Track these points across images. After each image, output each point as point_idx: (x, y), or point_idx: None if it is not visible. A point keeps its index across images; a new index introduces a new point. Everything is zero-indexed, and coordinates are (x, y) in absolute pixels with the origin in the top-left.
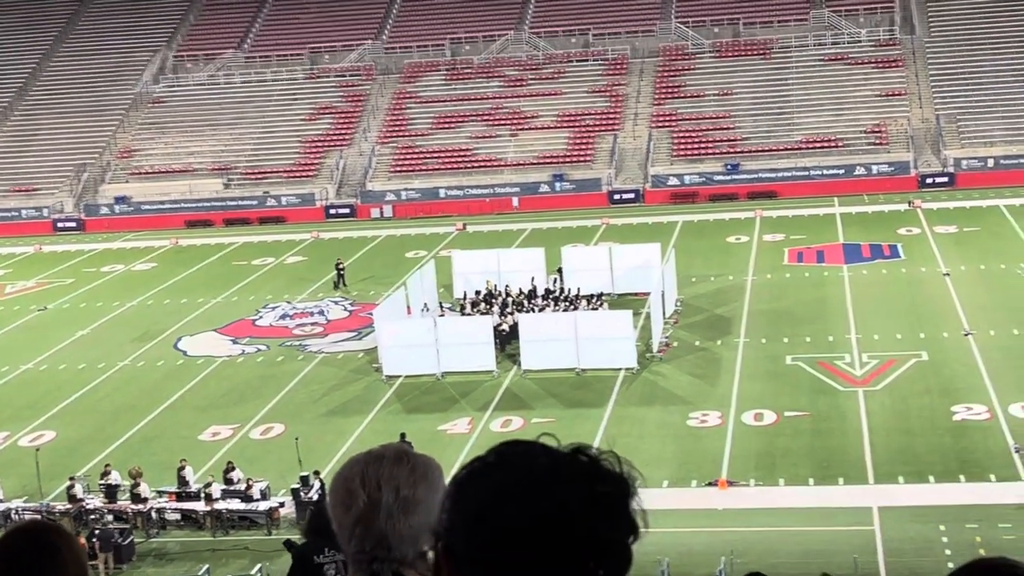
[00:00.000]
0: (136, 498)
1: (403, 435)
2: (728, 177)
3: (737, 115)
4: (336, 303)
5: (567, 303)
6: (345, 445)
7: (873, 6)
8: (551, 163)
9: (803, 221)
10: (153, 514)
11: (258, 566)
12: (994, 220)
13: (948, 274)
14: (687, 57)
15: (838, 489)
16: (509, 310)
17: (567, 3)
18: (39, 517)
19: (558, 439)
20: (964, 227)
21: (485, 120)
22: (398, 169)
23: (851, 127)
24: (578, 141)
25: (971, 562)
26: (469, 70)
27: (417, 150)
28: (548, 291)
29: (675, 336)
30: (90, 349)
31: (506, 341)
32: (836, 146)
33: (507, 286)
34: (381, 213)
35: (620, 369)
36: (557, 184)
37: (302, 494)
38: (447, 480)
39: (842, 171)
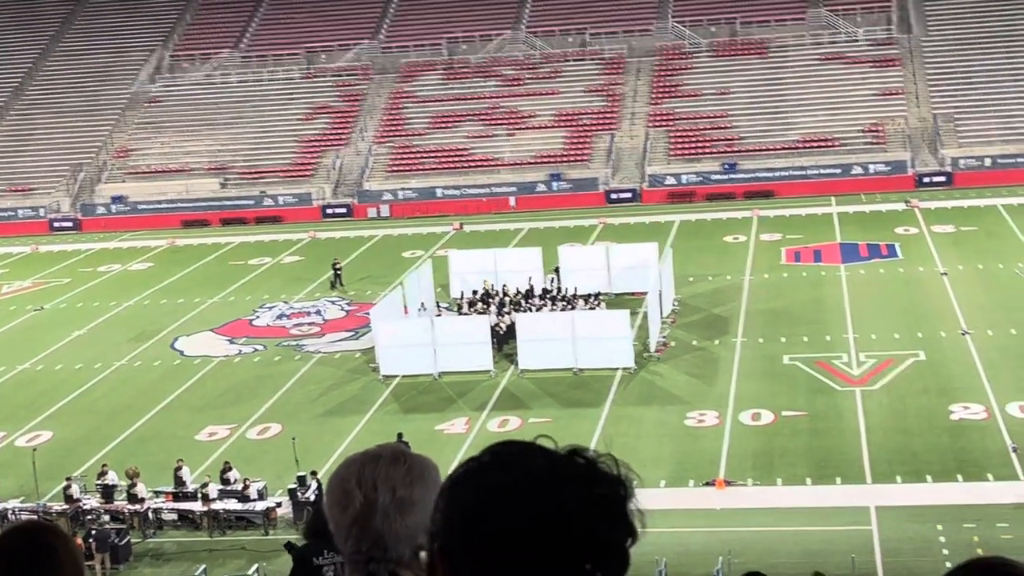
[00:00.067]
0: (133, 498)
1: (400, 435)
2: (725, 176)
3: (734, 114)
4: (333, 303)
5: (564, 303)
6: (342, 445)
7: (870, 5)
8: (548, 163)
9: (800, 221)
10: (150, 514)
11: (255, 566)
12: (991, 219)
13: (946, 273)
14: (684, 56)
15: (835, 489)
16: (506, 310)
17: (564, 2)
18: (35, 517)
19: (555, 441)
20: (961, 226)
21: (482, 120)
22: (395, 169)
23: (848, 126)
24: (575, 140)
25: (968, 561)
26: (466, 70)
27: (414, 150)
28: (545, 291)
29: (672, 336)
30: (87, 349)
31: (503, 341)
32: (833, 145)
33: (504, 286)
34: (378, 213)
35: (617, 369)
36: (554, 184)
37: (299, 494)
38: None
39: (839, 170)
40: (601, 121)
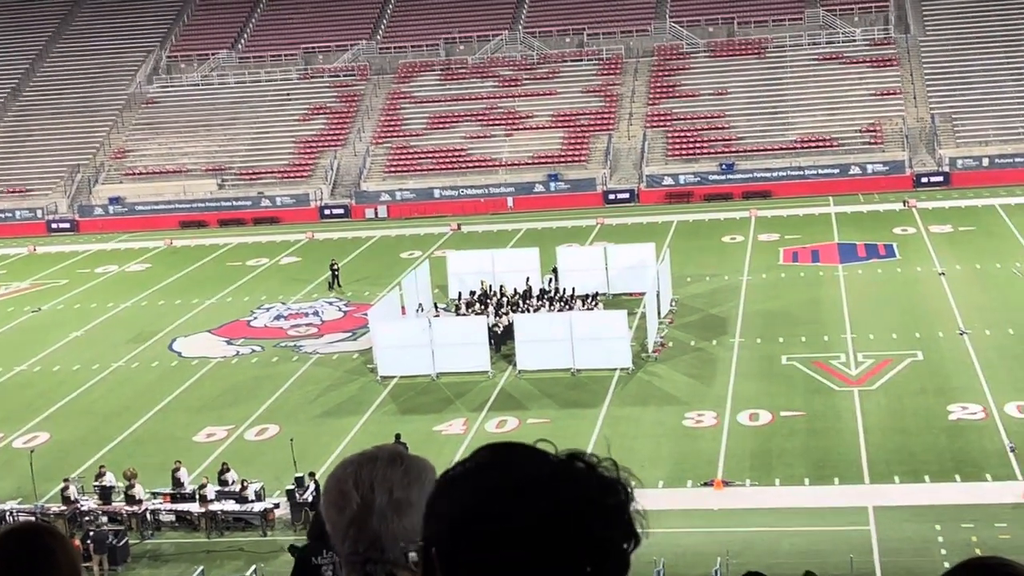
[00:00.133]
0: (131, 499)
1: (398, 436)
2: (723, 177)
3: (732, 115)
4: (331, 304)
5: (562, 303)
6: (340, 446)
7: (867, 5)
8: (546, 163)
9: (798, 221)
10: (148, 515)
11: (253, 567)
12: (989, 219)
13: (943, 273)
14: (682, 57)
15: (834, 489)
16: (504, 310)
17: (561, 3)
18: (33, 519)
19: (555, 445)
20: (959, 226)
21: (480, 120)
22: (392, 169)
23: (846, 126)
24: (573, 141)
25: (966, 561)
26: (463, 70)
27: (411, 150)
28: (543, 291)
29: (670, 336)
30: (84, 350)
31: (501, 341)
32: (831, 146)
33: (502, 286)
34: (376, 213)
35: (615, 369)
36: (552, 184)
37: (297, 495)
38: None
39: (837, 170)
40: (599, 121)
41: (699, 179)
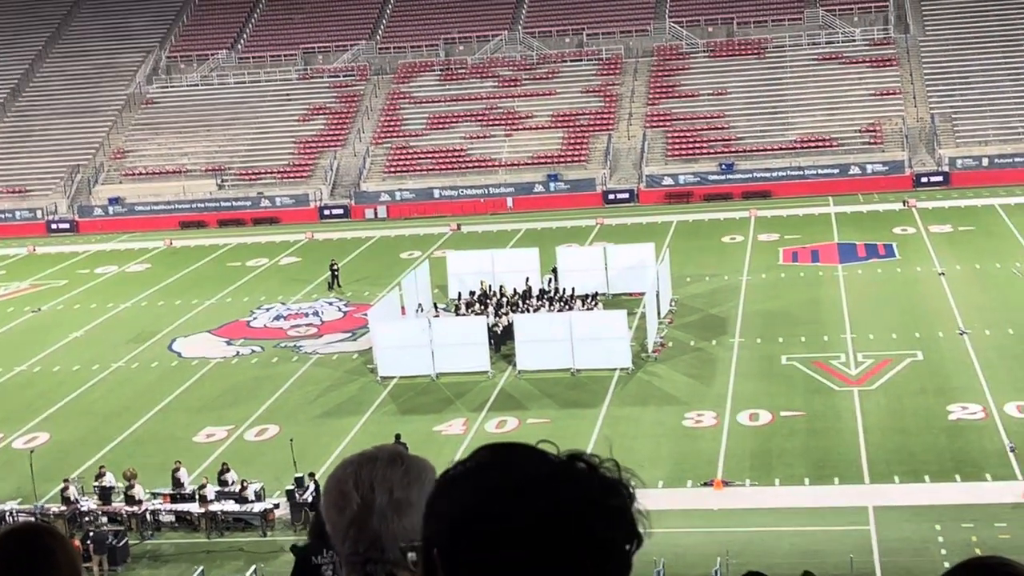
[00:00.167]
0: (130, 500)
1: (398, 436)
2: (722, 177)
3: (731, 115)
4: (330, 304)
5: (562, 303)
6: (340, 446)
7: (867, 5)
8: (545, 163)
9: (798, 221)
10: (147, 516)
11: (253, 568)
12: (989, 219)
13: (943, 273)
14: (681, 57)
15: (834, 489)
16: (504, 310)
17: (561, 3)
18: (33, 519)
19: (557, 447)
20: (959, 226)
21: (479, 120)
22: (392, 169)
23: (846, 126)
24: (572, 141)
25: (966, 561)
26: (463, 70)
27: (411, 150)
28: (543, 291)
29: (670, 336)
30: (84, 351)
31: (501, 342)
32: (831, 146)
33: (501, 286)
34: (375, 214)
35: (615, 369)
36: (551, 184)
37: (297, 495)
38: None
39: (837, 170)
40: (598, 122)
41: (699, 179)
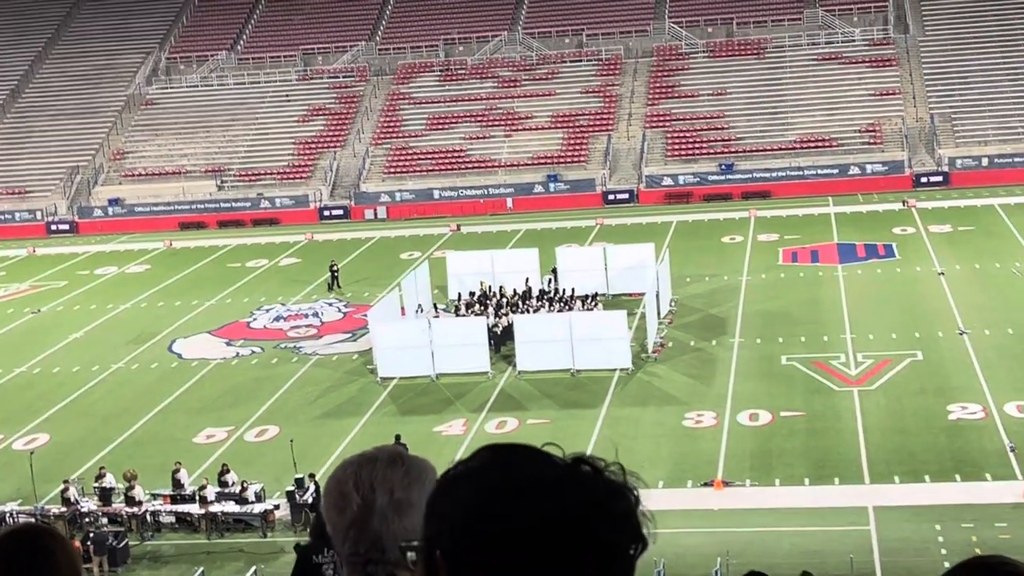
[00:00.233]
0: (130, 501)
1: (398, 437)
2: (722, 177)
3: (731, 115)
4: (330, 305)
5: (562, 304)
6: (340, 447)
7: (867, 5)
8: (545, 164)
9: (797, 221)
10: (148, 517)
11: (253, 568)
12: (989, 219)
13: (943, 273)
14: (681, 57)
15: (834, 489)
16: (504, 311)
17: (560, 3)
18: (33, 520)
19: (563, 449)
20: (959, 226)
21: (479, 121)
22: (392, 170)
23: (845, 127)
24: (572, 141)
25: (966, 561)
26: (463, 71)
27: (411, 151)
28: (543, 292)
29: (670, 336)
30: (84, 352)
31: (500, 342)
32: (830, 146)
33: (501, 287)
34: (375, 214)
35: (615, 370)
36: (551, 185)
37: (297, 496)
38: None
39: (836, 171)
40: (598, 122)
41: (698, 179)
